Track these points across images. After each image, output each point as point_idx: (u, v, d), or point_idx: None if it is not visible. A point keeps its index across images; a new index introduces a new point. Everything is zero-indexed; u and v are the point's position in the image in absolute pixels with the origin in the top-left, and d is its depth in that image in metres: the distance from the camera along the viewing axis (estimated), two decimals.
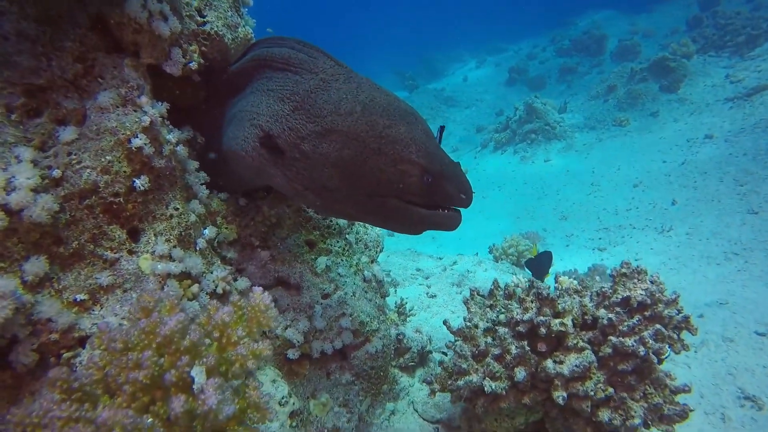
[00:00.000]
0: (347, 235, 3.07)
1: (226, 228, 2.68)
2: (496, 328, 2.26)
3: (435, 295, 4.47)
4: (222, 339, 1.38)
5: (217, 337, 1.36)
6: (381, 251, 3.36)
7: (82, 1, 1.90)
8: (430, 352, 3.20)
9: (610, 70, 15.89)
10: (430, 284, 4.66)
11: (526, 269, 5.98)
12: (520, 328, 2.13)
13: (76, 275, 1.73)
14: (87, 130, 1.80)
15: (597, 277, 2.37)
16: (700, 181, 8.93)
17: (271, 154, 2.12)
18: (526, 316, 2.11)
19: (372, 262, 3.24)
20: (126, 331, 1.21)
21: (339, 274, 2.91)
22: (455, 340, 2.33)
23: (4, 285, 1.42)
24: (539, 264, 5.78)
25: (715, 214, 7.81)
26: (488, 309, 2.45)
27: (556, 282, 2.40)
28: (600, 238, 8.13)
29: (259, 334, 1.49)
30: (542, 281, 5.74)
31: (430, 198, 1.89)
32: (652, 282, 2.21)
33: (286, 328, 2.44)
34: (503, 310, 2.32)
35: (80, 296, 1.70)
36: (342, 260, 2.98)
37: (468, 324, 2.39)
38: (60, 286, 1.69)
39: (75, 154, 1.75)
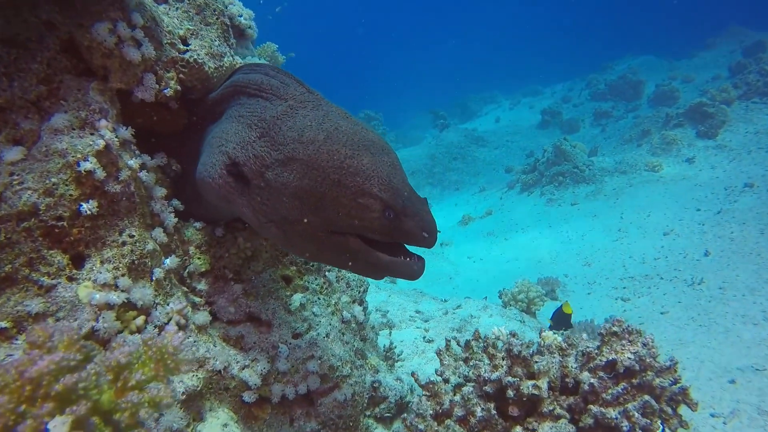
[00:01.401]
0: (327, 273, 2.93)
1: (199, 258, 2.59)
2: (465, 384, 2.04)
3: (432, 340, 4.23)
4: (117, 383, 1.25)
5: (110, 381, 1.23)
6: (365, 291, 3.20)
7: (53, 24, 1.91)
8: (410, 402, 2.96)
9: (646, 115, 15.50)
10: (428, 328, 4.43)
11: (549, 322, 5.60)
12: (488, 388, 1.90)
13: (4, 301, 1.65)
14: (36, 151, 1.76)
15: (584, 335, 2.13)
16: (738, 233, 8.37)
17: (237, 183, 2.05)
18: (494, 375, 1.88)
19: (354, 302, 3.07)
20: None
21: (314, 313, 2.76)
22: (420, 395, 2.12)
23: None
24: (561, 320, 5.39)
25: (753, 269, 7.24)
26: (462, 362, 2.23)
27: (539, 337, 2.17)
28: (624, 288, 7.66)
29: (168, 378, 1.35)
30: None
31: (391, 235, 1.76)
32: (644, 345, 1.96)
33: (243, 369, 2.29)
34: (476, 365, 2.10)
35: (2, 324, 1.61)
36: (319, 299, 2.83)
37: (437, 378, 2.17)
38: None
39: (17, 175, 1.70)
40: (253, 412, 2.43)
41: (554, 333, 2.17)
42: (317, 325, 2.72)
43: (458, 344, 2.46)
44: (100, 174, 1.82)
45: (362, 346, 3.01)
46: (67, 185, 1.76)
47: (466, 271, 9.99)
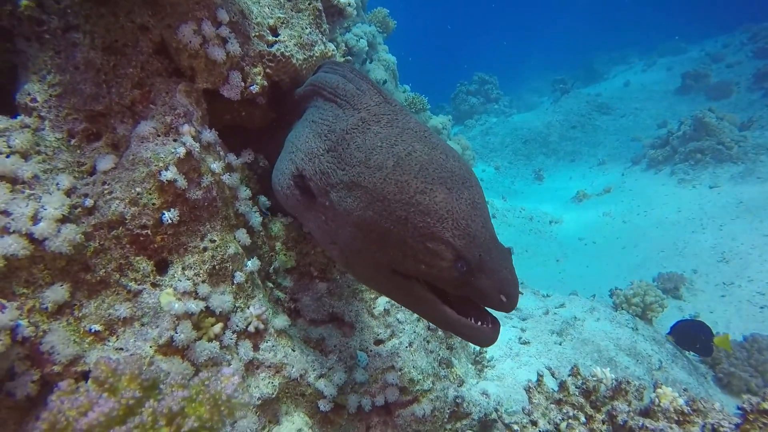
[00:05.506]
0: None
1: (285, 254, 2.57)
2: None
3: (528, 342, 3.91)
4: (170, 427, 1.21)
5: (163, 425, 1.20)
6: None
7: (146, 28, 1.90)
8: (496, 420, 2.75)
9: None
10: (525, 328, 4.10)
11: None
12: None
13: (98, 304, 1.73)
14: (124, 159, 1.79)
15: (717, 404, 1.70)
16: None
17: (303, 196, 1.93)
18: None
19: None
20: (57, 410, 1.10)
21: (398, 319, 2.63)
22: None
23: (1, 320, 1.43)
24: (692, 335, 4.53)
25: None
26: (555, 405, 1.96)
27: (654, 393, 1.81)
28: None
29: (224, 422, 1.29)
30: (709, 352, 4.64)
31: (462, 290, 1.50)
32: None
33: (319, 377, 2.24)
34: (570, 414, 1.81)
35: (96, 327, 1.69)
36: None
37: (523, 419, 1.93)
38: (80, 314, 1.70)
39: (108, 184, 1.74)
40: (329, 417, 2.40)
41: (673, 391, 1.79)
42: (401, 332, 2.59)
43: (554, 376, 2.18)
44: (182, 183, 1.80)
45: (448, 355, 2.83)
46: (150, 194, 1.77)
47: (575, 254, 9.23)
